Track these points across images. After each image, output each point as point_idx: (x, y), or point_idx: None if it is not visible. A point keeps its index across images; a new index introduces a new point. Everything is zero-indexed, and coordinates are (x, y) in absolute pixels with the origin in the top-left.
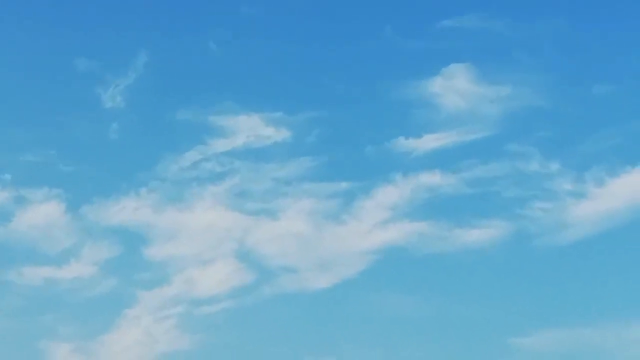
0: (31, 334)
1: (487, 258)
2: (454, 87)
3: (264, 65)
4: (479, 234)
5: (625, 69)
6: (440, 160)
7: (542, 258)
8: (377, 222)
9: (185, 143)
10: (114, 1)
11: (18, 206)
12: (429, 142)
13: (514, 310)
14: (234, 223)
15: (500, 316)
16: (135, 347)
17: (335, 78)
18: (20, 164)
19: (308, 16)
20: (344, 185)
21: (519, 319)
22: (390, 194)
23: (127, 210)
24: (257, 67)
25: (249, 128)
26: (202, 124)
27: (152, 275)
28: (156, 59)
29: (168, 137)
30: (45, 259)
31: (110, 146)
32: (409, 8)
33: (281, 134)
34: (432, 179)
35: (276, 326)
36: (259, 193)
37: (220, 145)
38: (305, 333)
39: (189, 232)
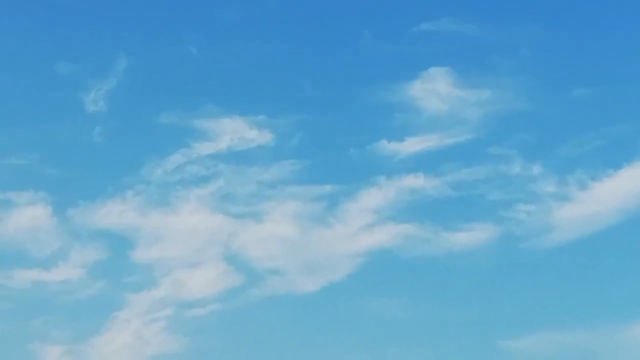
0: (21, 336)
1: (474, 260)
2: (434, 90)
3: (244, 69)
4: (465, 237)
5: (602, 72)
6: (423, 163)
7: (528, 261)
8: (363, 225)
9: (169, 146)
10: (93, 5)
11: (4, 209)
12: (411, 145)
13: (503, 313)
14: (219, 226)
15: (488, 319)
16: (125, 350)
17: (315, 82)
18: (4, 167)
19: (286, 21)
20: (328, 188)
21: (507, 321)
22: (375, 196)
23: (113, 213)
24: (238, 71)
25: (233, 131)
26: (185, 128)
27: (139, 278)
28: (136, 64)
29: (151, 140)
30: (34, 261)
31: (94, 150)
32: (386, 13)
33: (265, 137)
34: (416, 181)
35: (265, 329)
36: (244, 196)
37: (204, 148)
38: (293, 336)
39: (175, 235)
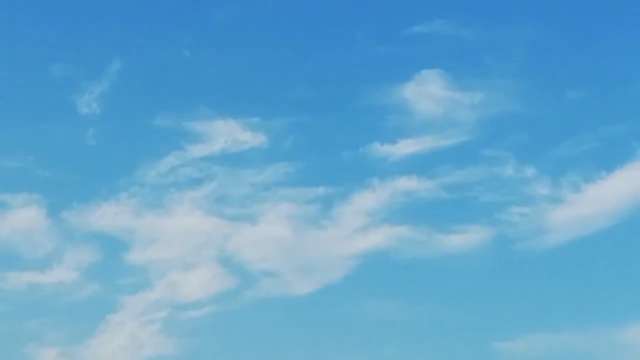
0: (16, 338)
1: (468, 262)
2: (427, 92)
3: (238, 71)
4: (459, 239)
5: (596, 74)
6: (416, 165)
7: (522, 263)
8: (357, 227)
9: (162, 149)
10: (87, 7)
11: None
12: (405, 147)
13: (497, 315)
14: (213, 228)
15: (483, 321)
16: (120, 352)
17: (309, 84)
18: None
19: (280, 23)
20: (321, 190)
21: (501, 323)
22: (368, 199)
23: (107, 215)
24: (231, 73)
25: (226, 133)
26: (179, 130)
27: (134, 280)
28: (130, 66)
29: (145, 143)
30: (28, 264)
31: (88, 152)
32: (379, 15)
33: (258, 139)
34: (409, 184)
35: (260, 331)
36: (238, 198)
37: (197, 150)
38: (288, 338)
39: (169, 237)
